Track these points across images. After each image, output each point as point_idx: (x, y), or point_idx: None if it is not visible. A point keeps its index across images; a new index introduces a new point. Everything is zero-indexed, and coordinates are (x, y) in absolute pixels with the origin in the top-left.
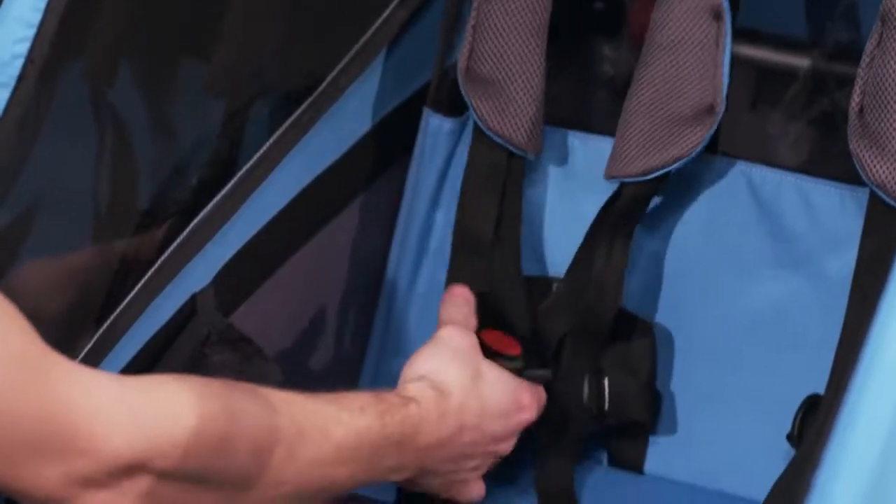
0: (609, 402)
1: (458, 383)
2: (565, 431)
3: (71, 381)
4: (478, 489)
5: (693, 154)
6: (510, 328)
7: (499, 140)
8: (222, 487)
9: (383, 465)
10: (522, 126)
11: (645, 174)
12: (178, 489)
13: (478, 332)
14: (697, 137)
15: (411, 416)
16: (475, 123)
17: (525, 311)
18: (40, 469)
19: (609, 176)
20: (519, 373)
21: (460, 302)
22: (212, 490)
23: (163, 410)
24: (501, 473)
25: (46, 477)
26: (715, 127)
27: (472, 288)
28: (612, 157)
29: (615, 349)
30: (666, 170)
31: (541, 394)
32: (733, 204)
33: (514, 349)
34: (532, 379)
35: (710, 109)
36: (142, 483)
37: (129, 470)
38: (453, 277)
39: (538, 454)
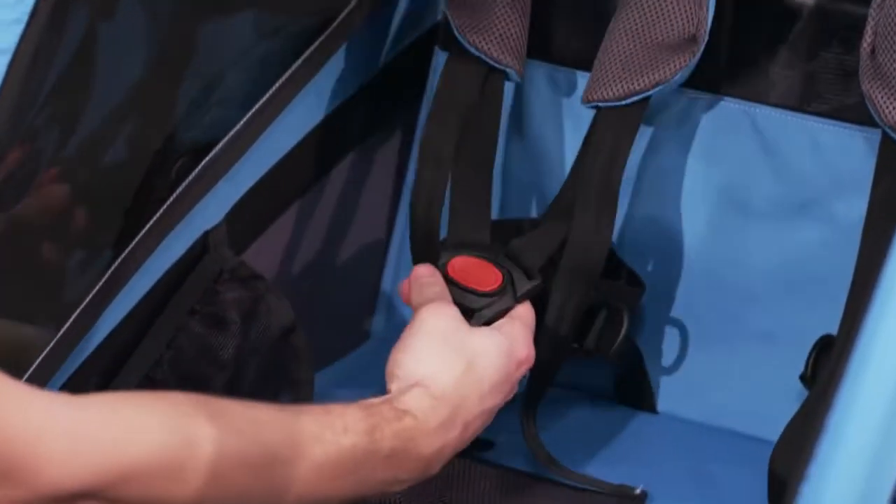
0: (594, 339)
1: (452, 384)
2: (548, 367)
3: (14, 407)
4: None
5: (674, 80)
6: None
7: (476, 53)
8: None
9: (375, 480)
10: (504, 42)
11: (623, 98)
12: None
13: (447, 263)
14: (679, 64)
15: (406, 430)
16: (454, 39)
17: (488, 235)
18: None
19: (586, 100)
20: (507, 308)
21: (429, 282)
22: None
23: (111, 438)
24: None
25: None
26: (698, 56)
27: (433, 206)
28: (591, 81)
29: (601, 291)
30: (645, 94)
31: (530, 319)
32: (737, 144)
33: (492, 281)
34: (525, 297)
35: (693, 39)
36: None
37: (70, 498)
38: (417, 190)
39: (528, 391)
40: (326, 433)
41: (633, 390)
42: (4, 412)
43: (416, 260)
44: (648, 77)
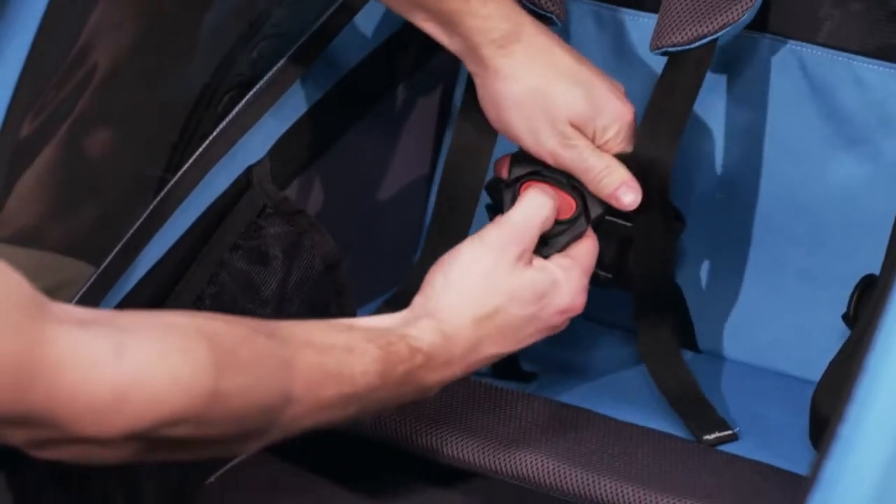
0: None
1: (469, 325)
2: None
3: (58, 350)
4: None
5: (742, 21)
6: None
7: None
8: (210, 444)
9: (375, 406)
10: None
11: (691, 42)
12: (157, 449)
13: (521, 185)
14: (746, 4)
15: (415, 367)
16: None
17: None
18: (8, 430)
19: (654, 48)
20: (581, 233)
21: (539, 204)
22: (197, 447)
23: (149, 393)
24: None
25: (12, 435)
26: None
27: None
28: (657, 28)
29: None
30: (713, 37)
31: (589, 261)
32: (785, 83)
33: (567, 209)
34: (598, 220)
35: None
36: (116, 445)
37: (102, 443)
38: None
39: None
40: (344, 373)
41: (680, 329)
42: (52, 356)
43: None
44: (716, 19)
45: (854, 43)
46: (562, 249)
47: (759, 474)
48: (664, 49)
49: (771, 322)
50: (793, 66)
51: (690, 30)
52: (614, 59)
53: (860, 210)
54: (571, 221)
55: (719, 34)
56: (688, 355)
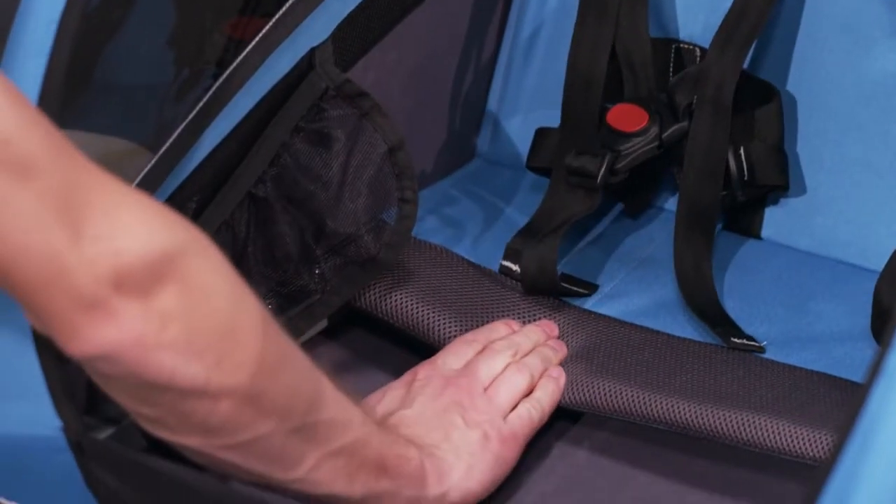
0: (747, 170)
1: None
2: (701, 206)
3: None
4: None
5: None
6: (636, 88)
7: None
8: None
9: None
10: None
11: None
12: None
13: (605, 112)
14: None
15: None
16: None
17: (651, 72)
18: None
19: None
20: (658, 146)
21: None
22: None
23: None
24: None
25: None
26: None
27: (596, 47)
28: None
29: (743, 117)
30: None
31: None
32: None
33: (640, 122)
34: (670, 137)
35: None
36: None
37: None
38: (579, 35)
39: (676, 234)
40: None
41: (740, 216)
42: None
43: (572, 107)
44: None
45: None
46: (634, 159)
47: (815, 382)
48: None
49: (832, 210)
50: None
51: None
52: None
53: None
54: (641, 133)
55: None
56: (749, 242)
